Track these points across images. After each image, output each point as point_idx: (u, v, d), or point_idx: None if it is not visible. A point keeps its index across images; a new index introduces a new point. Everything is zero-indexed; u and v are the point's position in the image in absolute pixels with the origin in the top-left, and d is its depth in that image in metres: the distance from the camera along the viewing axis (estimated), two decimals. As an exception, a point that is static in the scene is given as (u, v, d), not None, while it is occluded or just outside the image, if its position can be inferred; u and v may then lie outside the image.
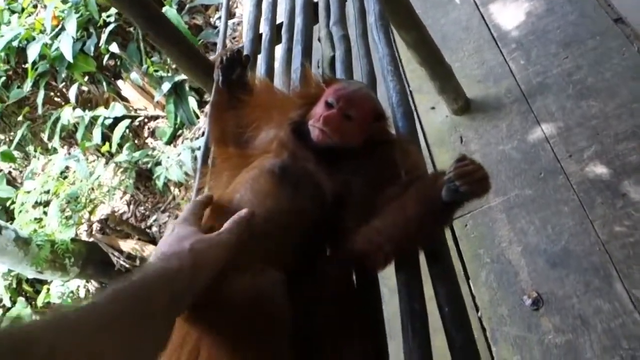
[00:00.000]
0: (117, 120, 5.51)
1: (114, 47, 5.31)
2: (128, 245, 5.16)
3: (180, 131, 5.50)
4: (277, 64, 2.24)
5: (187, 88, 5.31)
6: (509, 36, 3.71)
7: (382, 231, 1.22)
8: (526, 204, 2.79)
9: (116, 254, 5.14)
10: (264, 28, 2.49)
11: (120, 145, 5.43)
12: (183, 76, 5.22)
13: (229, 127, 1.56)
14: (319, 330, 1.16)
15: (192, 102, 5.28)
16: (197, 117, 5.32)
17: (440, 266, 1.28)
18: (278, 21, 2.56)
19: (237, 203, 1.28)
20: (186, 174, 4.85)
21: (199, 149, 4.73)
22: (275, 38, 2.44)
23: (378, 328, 1.27)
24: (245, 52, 1.58)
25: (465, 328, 1.16)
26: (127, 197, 5.69)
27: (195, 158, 4.83)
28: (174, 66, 5.39)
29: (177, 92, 5.31)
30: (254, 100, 1.54)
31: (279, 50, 2.34)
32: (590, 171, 2.75)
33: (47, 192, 5.32)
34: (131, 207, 5.66)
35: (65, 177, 5.50)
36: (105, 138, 5.53)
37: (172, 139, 5.46)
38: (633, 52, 3.11)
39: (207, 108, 2.17)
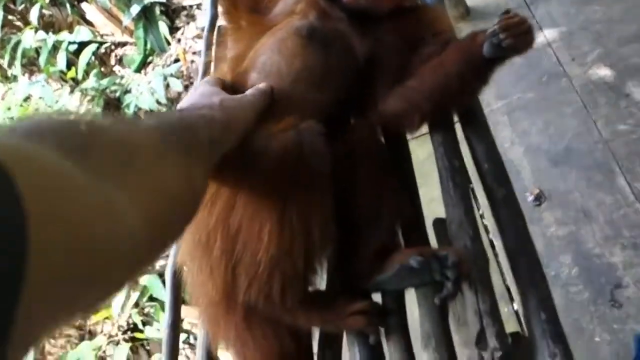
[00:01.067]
0: (82, 46, 5.19)
1: (78, -33, 4.98)
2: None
3: (150, 58, 5.24)
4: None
5: (157, 12, 5.04)
6: (510, -58, 3.59)
7: (421, 89, 1.19)
8: (528, 106, 2.79)
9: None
10: None
11: (86, 72, 5.18)
12: (153, -2, 4.97)
13: None
14: (354, 187, 1.14)
15: (163, 27, 5.01)
16: (169, 43, 5.08)
17: (476, 125, 1.27)
18: None
19: (262, 67, 1.24)
20: (158, 102, 4.69)
21: (171, 75, 4.59)
22: None
23: (411, 182, 1.30)
24: None
25: (506, 182, 1.17)
26: (95, 126, 5.49)
27: (167, 85, 4.68)
28: (142, -12, 5.13)
29: (146, 16, 5.02)
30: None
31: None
32: (593, 73, 2.73)
33: (12, 119, 5.13)
34: (99, 137, 5.48)
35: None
36: (70, 64, 5.28)
37: (142, 67, 5.20)
38: (638, -44, 3.05)
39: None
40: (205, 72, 1.75)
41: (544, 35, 3.00)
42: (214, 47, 1.88)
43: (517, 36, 1.09)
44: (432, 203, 2.29)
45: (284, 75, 1.22)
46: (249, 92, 1.10)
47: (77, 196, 0.41)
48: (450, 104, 1.24)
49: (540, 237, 2.29)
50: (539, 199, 2.45)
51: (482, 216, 2.53)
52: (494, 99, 2.84)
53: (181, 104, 1.03)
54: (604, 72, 2.72)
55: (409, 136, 1.37)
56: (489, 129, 1.28)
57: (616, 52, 2.75)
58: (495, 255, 2.14)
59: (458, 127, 1.33)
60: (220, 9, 1.66)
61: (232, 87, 1.20)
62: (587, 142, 2.53)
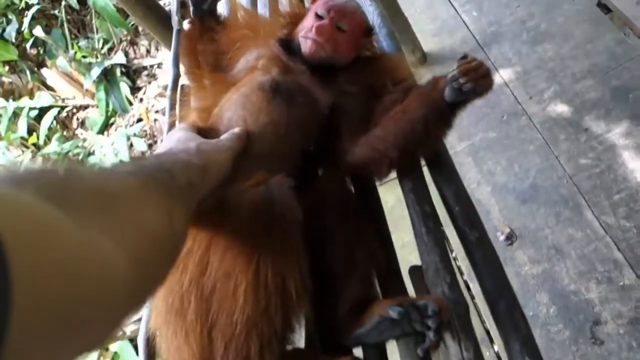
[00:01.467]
0: (43, 111, 5.20)
1: (38, 32, 4.97)
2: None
3: (112, 119, 5.21)
4: None
5: (118, 73, 5.06)
6: (459, -10, 3.73)
7: (386, 137, 1.19)
8: (491, 146, 2.82)
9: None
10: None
11: (48, 137, 5.13)
12: (113, 61, 4.97)
13: (205, 56, 1.51)
14: (326, 238, 1.12)
15: (125, 87, 5.03)
16: (131, 104, 5.08)
17: (444, 169, 1.27)
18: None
19: (228, 122, 1.23)
20: (122, 162, 4.63)
21: (134, 135, 4.56)
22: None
23: (383, 229, 1.27)
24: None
25: (478, 224, 1.16)
26: (59, 191, 5.38)
27: (131, 145, 4.65)
28: (103, 51, 5.14)
29: (107, 78, 5.03)
30: (233, 24, 1.49)
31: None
32: (551, 110, 2.80)
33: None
34: (63, 202, 5.36)
35: (-11, 172, 5.16)
36: (31, 130, 5.22)
37: (105, 128, 5.17)
38: (582, -3, 3.19)
39: (172, 52, 2.07)
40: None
41: (500, 76, 3.08)
42: (177, 107, 1.87)
43: (476, 80, 1.11)
44: (404, 249, 2.27)
45: (250, 130, 1.21)
46: (224, 136, 1.09)
47: (61, 240, 0.40)
48: (417, 150, 1.23)
49: (514, 276, 2.29)
50: (510, 238, 2.46)
51: (455, 258, 2.53)
52: (457, 140, 2.88)
53: (158, 150, 1.01)
54: (561, 108, 2.78)
55: (377, 183, 1.36)
56: (456, 171, 1.28)
57: (571, 89, 2.83)
58: (472, 297, 2.13)
59: (426, 170, 1.33)
60: (182, 68, 1.66)
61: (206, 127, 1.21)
62: (552, 178, 2.56)
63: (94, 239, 0.45)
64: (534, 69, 3.02)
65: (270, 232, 0.97)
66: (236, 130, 1.14)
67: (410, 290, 1.18)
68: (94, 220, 0.48)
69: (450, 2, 3.69)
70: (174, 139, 1.02)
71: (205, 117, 1.28)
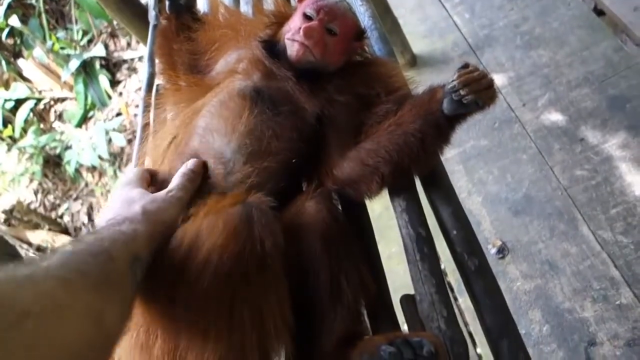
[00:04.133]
0: (19, 102, 5.09)
1: (14, 21, 4.81)
2: (37, 236, 4.81)
3: (91, 113, 5.10)
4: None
5: (97, 66, 4.94)
6: (450, -9, 3.63)
7: (377, 151, 1.09)
8: (483, 154, 2.73)
9: (24, 246, 4.78)
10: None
11: (24, 130, 5.02)
12: (93, 53, 4.84)
13: (181, 55, 1.41)
14: (310, 266, 1.01)
15: (104, 80, 4.94)
16: (110, 97, 4.97)
17: (441, 188, 1.15)
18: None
19: (202, 132, 1.12)
20: (100, 157, 4.53)
21: (113, 129, 4.44)
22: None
23: (372, 255, 1.17)
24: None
25: (478, 251, 1.06)
26: (35, 184, 5.26)
27: (109, 140, 4.54)
28: (82, 43, 4.99)
29: (86, 71, 4.93)
30: (212, 22, 1.37)
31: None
32: (545, 119, 2.71)
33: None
34: (39, 195, 5.25)
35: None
36: (7, 122, 5.09)
37: (83, 122, 5.08)
38: (578, 2, 3.11)
39: (147, 48, 1.95)
40: (143, 135, 1.61)
41: (489, 74, 2.98)
42: (152, 108, 1.75)
43: (479, 92, 1.00)
44: (391, 260, 2.18)
45: (226, 141, 1.09)
46: (174, 182, 1.02)
47: None
48: (411, 166, 1.12)
49: (506, 292, 2.17)
50: (501, 251, 2.36)
51: (444, 272, 2.43)
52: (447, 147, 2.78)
53: (102, 215, 0.99)
54: (555, 116, 2.69)
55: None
56: (453, 191, 1.17)
57: (567, 96, 2.74)
58: (466, 324, 2.04)
59: (420, 188, 1.22)
60: (157, 67, 1.55)
61: (168, 162, 1.13)
62: (546, 190, 2.47)
63: None
64: (527, 75, 2.93)
65: (247, 259, 0.87)
66: (189, 165, 1.05)
67: (400, 314, 1.08)
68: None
69: (442, 3, 3.59)
70: (120, 201, 0.97)
71: (178, 127, 1.16)
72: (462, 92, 1.00)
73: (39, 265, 0.63)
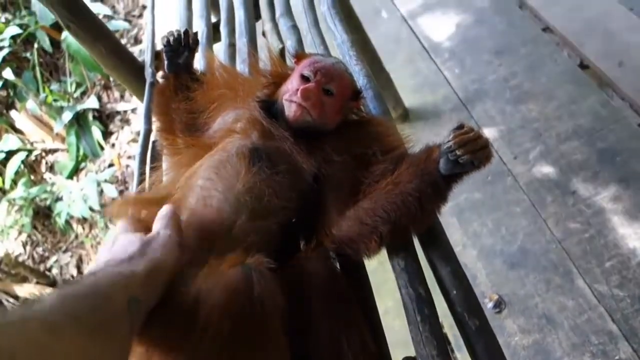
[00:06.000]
0: (10, 154, 5.09)
1: (8, 74, 4.86)
2: (25, 290, 4.71)
3: (83, 164, 5.10)
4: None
5: (90, 118, 4.97)
6: (440, 47, 3.72)
7: (375, 211, 1.09)
8: (477, 206, 2.73)
9: (11, 300, 4.68)
10: (199, 25, 2.31)
11: (14, 181, 5.00)
12: (86, 105, 4.89)
13: (179, 114, 1.42)
14: (311, 326, 1.01)
15: (97, 132, 4.95)
16: (102, 148, 4.98)
17: (438, 246, 1.15)
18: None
19: (199, 192, 1.12)
20: (91, 208, 4.51)
21: (105, 181, 4.44)
22: (212, 35, 2.28)
23: (372, 314, 1.16)
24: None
25: (477, 310, 1.05)
26: (24, 237, 5.19)
27: (101, 191, 4.53)
28: (75, 95, 5.04)
29: (79, 123, 4.95)
30: (210, 82, 1.39)
31: (219, 47, 2.19)
32: (537, 171, 2.73)
33: None
34: (28, 247, 5.18)
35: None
36: (-3, 174, 5.09)
37: (74, 173, 5.06)
38: (564, 58, 3.18)
39: (144, 106, 1.97)
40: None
41: (484, 134, 3.01)
42: (147, 165, 1.76)
43: (474, 152, 1.01)
44: (387, 315, 2.14)
45: (223, 201, 1.09)
46: (157, 224, 1.00)
47: None
48: (409, 225, 1.12)
49: (505, 347, 2.13)
50: (498, 305, 2.34)
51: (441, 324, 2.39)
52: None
53: (99, 256, 0.96)
54: (547, 169, 2.72)
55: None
56: (452, 249, 1.16)
57: (557, 149, 2.78)
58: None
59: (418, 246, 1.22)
60: (155, 126, 1.56)
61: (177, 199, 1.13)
62: (540, 242, 2.47)
63: None
64: (518, 128, 2.97)
65: (247, 322, 0.87)
66: (162, 210, 1.03)
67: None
68: None
69: (432, 58, 3.67)
70: (118, 245, 0.95)
71: (175, 187, 1.16)
72: (458, 152, 1.01)
73: (31, 310, 0.62)
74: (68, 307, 0.63)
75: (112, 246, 0.96)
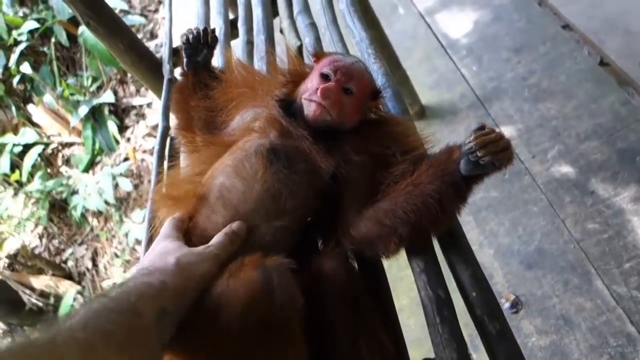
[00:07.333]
0: (27, 147, 5.13)
1: (26, 68, 4.90)
2: (41, 281, 4.76)
3: (98, 158, 5.13)
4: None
5: (106, 112, 5.00)
6: (458, 44, 3.69)
7: (395, 212, 1.08)
8: (493, 205, 2.71)
9: (27, 291, 4.73)
10: (217, 22, 2.32)
11: (31, 174, 5.04)
12: (102, 99, 4.91)
13: (197, 112, 1.41)
14: (328, 327, 1.01)
15: (112, 126, 4.98)
16: (118, 143, 5.01)
17: (458, 248, 1.14)
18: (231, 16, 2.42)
19: (219, 191, 1.12)
20: (106, 202, 4.54)
21: (120, 174, 4.47)
22: (230, 32, 2.28)
23: (390, 315, 1.16)
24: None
25: (498, 313, 1.04)
26: (40, 229, 5.24)
27: (116, 185, 4.55)
28: (91, 89, 5.06)
29: (95, 117, 4.98)
30: (229, 80, 1.38)
31: (236, 44, 2.19)
32: (555, 171, 2.70)
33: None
34: (44, 240, 5.23)
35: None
36: (15, 166, 5.12)
37: (90, 167, 5.10)
38: (584, 56, 3.14)
39: (162, 103, 1.97)
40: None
41: (505, 136, 2.99)
42: (165, 162, 1.76)
43: (496, 153, 1.00)
44: (402, 313, 2.13)
45: (242, 200, 1.09)
46: (215, 239, 1.02)
47: None
48: (429, 226, 1.11)
49: (521, 348, 2.13)
50: (515, 305, 2.32)
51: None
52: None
53: (140, 263, 0.99)
54: (566, 169, 2.69)
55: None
56: (472, 252, 1.15)
57: (576, 149, 2.74)
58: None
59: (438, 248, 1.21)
60: (173, 123, 1.56)
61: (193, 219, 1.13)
62: (558, 243, 2.45)
63: None
64: (536, 127, 2.94)
65: (268, 325, 0.87)
66: (234, 226, 1.05)
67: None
68: None
69: (449, 55, 3.64)
70: (157, 252, 0.98)
71: (195, 186, 1.16)
72: (479, 154, 1.00)
73: (62, 327, 0.63)
74: (101, 324, 0.65)
75: (156, 248, 0.99)
